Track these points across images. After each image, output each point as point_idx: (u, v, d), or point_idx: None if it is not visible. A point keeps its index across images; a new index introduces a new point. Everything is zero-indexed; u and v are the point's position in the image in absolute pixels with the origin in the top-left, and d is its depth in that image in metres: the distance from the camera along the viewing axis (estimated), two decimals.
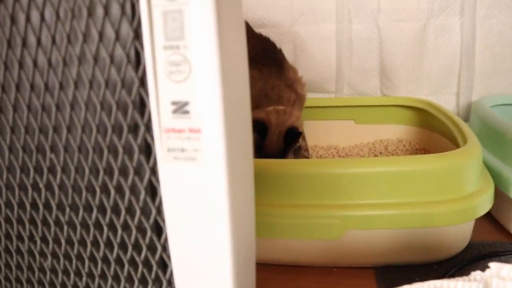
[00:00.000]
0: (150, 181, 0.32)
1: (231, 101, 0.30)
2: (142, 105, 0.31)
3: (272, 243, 0.57)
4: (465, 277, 0.36)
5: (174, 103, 0.30)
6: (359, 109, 0.91)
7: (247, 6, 0.87)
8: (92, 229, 0.35)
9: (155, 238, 0.34)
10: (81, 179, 0.33)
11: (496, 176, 0.64)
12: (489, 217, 0.69)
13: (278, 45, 0.78)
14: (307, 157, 0.81)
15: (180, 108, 0.30)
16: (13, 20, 0.31)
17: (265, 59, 0.70)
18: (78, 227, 0.35)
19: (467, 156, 0.56)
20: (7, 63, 0.32)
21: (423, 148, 0.86)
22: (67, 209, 0.34)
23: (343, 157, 0.87)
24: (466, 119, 0.89)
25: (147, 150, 0.32)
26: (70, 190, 0.34)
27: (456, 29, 0.87)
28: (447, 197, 0.55)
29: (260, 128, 0.67)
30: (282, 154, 0.70)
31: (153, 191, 0.33)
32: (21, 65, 0.31)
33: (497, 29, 0.86)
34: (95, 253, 0.35)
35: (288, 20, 0.90)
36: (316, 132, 0.91)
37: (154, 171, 0.32)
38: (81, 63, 0.30)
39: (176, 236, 0.33)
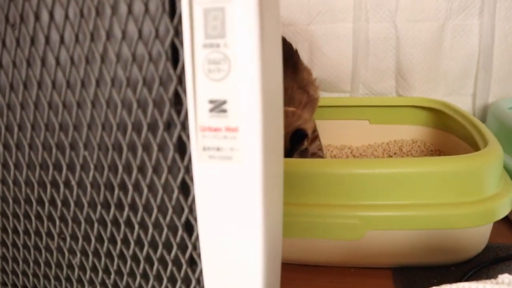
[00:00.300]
0: (183, 180, 0.32)
1: (269, 100, 0.30)
2: (179, 103, 0.31)
3: (292, 243, 0.57)
4: (493, 280, 0.36)
5: (211, 101, 0.29)
6: (374, 109, 0.91)
7: None
8: (122, 227, 0.34)
9: (186, 237, 0.33)
10: (113, 176, 0.33)
11: None
12: (506, 221, 0.69)
13: (294, 44, 0.78)
14: (321, 157, 0.81)
15: (218, 106, 0.29)
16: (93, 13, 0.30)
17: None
18: (109, 225, 0.35)
19: (489, 158, 0.56)
20: (44, 60, 0.31)
21: (438, 149, 0.86)
22: (98, 207, 0.34)
23: (357, 157, 0.86)
24: (483, 121, 0.88)
25: (182, 148, 0.31)
26: (102, 188, 0.34)
27: (474, 30, 0.87)
28: (467, 199, 0.55)
29: None
30: (288, 155, 0.69)
31: (186, 189, 0.32)
32: (43, 62, 0.31)
33: None
34: (124, 251, 0.35)
35: (305, 19, 0.89)
36: (330, 132, 0.91)
37: (188, 169, 0.32)
38: (118, 60, 0.30)
39: (208, 235, 0.33)
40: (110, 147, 0.32)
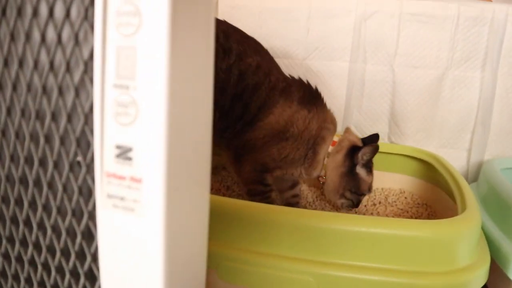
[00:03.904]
0: (87, 226, 0.29)
1: (181, 148, 0.27)
2: (86, 145, 0.28)
3: None
4: None
5: (118, 147, 0.27)
6: None
7: (261, 34, 0.85)
8: (26, 266, 0.32)
9: (88, 286, 0.31)
10: (19, 212, 0.31)
11: (495, 249, 0.59)
12: None
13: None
14: (292, 205, 0.79)
15: (124, 153, 0.27)
16: None
17: (310, 99, 0.72)
18: (13, 262, 0.32)
19: (462, 226, 0.52)
20: None
21: (425, 203, 0.81)
22: (4, 241, 0.32)
23: None
24: (476, 178, 0.84)
25: (88, 192, 0.29)
26: (8, 222, 0.31)
27: (475, 83, 0.83)
28: (436, 269, 0.50)
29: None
30: (350, 171, 0.73)
31: (90, 236, 0.30)
32: None
33: None
34: None
35: (301, 53, 0.87)
36: None
37: (92, 215, 0.29)
38: (29, 90, 0.28)
39: (111, 287, 0.30)
40: (17, 182, 0.30)
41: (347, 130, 0.77)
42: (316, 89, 0.74)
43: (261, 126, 0.69)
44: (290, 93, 0.71)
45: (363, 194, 0.75)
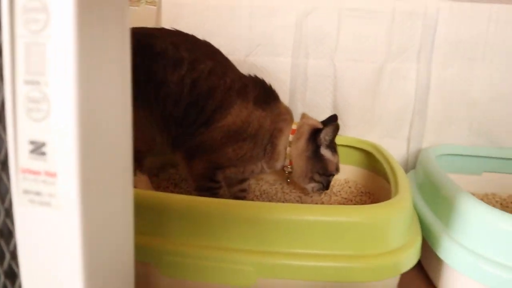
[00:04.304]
0: (5, 223, 0.29)
1: (95, 142, 0.28)
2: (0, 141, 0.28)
3: (185, 285, 0.54)
4: None
5: (32, 142, 0.27)
6: None
7: (204, 32, 0.86)
8: None
9: (8, 285, 0.31)
10: None
11: (426, 230, 0.62)
12: (420, 268, 0.68)
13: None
14: (240, 199, 0.81)
15: (38, 148, 0.27)
16: None
17: (265, 97, 0.73)
18: None
19: (393, 210, 0.55)
20: None
21: (368, 191, 0.84)
22: None
23: (287, 193, 0.84)
24: (415, 166, 0.88)
25: (4, 190, 0.29)
26: None
27: (411, 75, 0.87)
28: (369, 251, 0.53)
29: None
30: (315, 154, 0.74)
31: (8, 234, 0.30)
32: None
33: (452, 79, 0.86)
34: None
35: (244, 50, 0.88)
36: None
37: (9, 213, 0.29)
38: None
39: (31, 283, 0.30)
40: None
41: (304, 116, 0.77)
42: (270, 86, 0.75)
43: (218, 127, 0.69)
44: (246, 93, 0.71)
45: (332, 175, 0.76)
